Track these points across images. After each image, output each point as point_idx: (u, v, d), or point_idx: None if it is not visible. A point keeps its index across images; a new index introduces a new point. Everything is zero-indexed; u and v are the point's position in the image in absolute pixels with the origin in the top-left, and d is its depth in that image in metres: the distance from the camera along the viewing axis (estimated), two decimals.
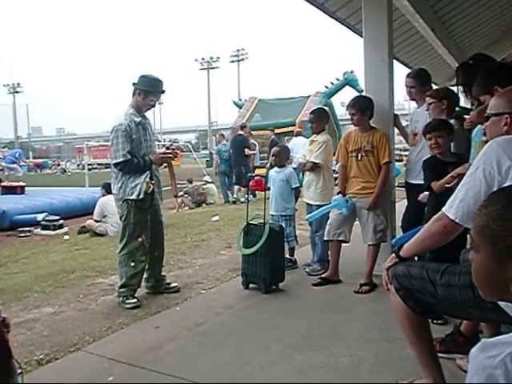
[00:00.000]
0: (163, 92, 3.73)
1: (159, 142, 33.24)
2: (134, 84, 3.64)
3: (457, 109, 3.32)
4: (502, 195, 0.98)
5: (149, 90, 3.60)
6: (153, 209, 3.70)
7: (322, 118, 4.44)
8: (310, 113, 4.60)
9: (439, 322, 2.77)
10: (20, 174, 15.09)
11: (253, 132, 11.72)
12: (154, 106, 3.72)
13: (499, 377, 0.75)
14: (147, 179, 3.56)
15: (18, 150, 14.01)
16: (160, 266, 3.87)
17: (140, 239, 3.58)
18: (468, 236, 2.49)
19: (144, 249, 3.61)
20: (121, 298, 3.54)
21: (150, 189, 3.55)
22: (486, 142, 1.85)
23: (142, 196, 3.51)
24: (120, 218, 3.65)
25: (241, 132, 10.86)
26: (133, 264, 3.55)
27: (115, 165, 3.53)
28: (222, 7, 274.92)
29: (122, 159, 3.47)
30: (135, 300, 3.51)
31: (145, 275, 3.76)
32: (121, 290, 3.56)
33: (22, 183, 12.84)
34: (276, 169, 4.56)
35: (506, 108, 1.82)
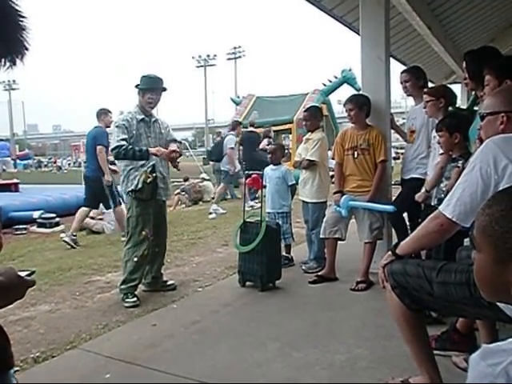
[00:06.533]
0: (164, 90, 3.77)
1: None
2: (136, 86, 3.75)
3: (450, 108, 3.28)
4: (506, 196, 0.94)
5: (145, 88, 3.69)
6: (156, 204, 3.72)
7: (316, 116, 4.45)
8: (304, 111, 4.60)
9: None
10: (13, 170, 15.03)
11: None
12: (152, 102, 3.72)
13: None
14: (147, 170, 3.61)
15: (6, 143, 13.97)
16: (159, 263, 3.86)
17: (144, 233, 3.62)
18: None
19: (148, 243, 3.65)
20: (121, 296, 3.55)
21: (149, 179, 3.59)
22: (480, 141, 1.85)
23: (140, 186, 3.57)
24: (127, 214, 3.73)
25: (252, 129, 10.64)
26: (136, 259, 3.58)
27: (112, 151, 3.64)
28: (219, 5, 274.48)
29: (116, 144, 3.56)
30: (135, 299, 3.50)
31: None
32: (122, 286, 3.57)
33: (15, 180, 12.79)
34: (271, 166, 4.57)
35: (501, 107, 1.82)
